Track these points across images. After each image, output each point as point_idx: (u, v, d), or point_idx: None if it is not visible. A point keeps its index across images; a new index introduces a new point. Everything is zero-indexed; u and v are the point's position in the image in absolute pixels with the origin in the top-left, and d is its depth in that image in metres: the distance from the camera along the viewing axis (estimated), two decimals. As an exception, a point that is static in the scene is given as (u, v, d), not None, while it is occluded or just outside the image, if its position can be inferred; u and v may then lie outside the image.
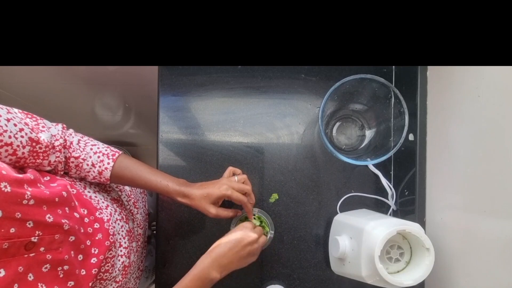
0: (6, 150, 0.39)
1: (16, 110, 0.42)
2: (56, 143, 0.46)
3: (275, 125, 0.65)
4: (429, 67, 0.63)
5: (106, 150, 0.51)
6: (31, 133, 0.41)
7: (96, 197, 0.51)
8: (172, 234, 0.64)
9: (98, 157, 0.50)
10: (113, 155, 0.51)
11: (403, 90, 0.57)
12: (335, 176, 0.64)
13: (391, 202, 0.63)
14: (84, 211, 0.46)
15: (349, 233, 0.55)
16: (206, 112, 0.65)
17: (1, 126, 0.38)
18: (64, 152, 0.48)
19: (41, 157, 0.44)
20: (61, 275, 0.39)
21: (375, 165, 0.63)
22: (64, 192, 0.42)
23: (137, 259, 0.60)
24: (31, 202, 0.36)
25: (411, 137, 0.63)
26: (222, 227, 0.63)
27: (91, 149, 0.50)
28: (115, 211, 0.54)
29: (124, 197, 0.61)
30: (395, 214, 0.64)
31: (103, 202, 0.52)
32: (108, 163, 0.50)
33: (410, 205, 0.64)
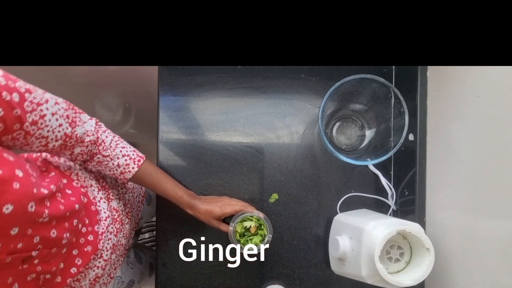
0: (40, 142, 0.39)
1: (61, 100, 0.42)
2: (87, 139, 0.46)
3: (275, 125, 0.65)
4: (429, 67, 0.63)
5: (133, 154, 0.53)
6: (67, 128, 0.42)
7: (99, 206, 0.52)
8: (172, 234, 0.64)
9: (126, 160, 0.51)
10: (138, 160, 0.53)
11: (403, 90, 0.57)
12: (335, 176, 0.64)
13: (391, 202, 0.63)
14: (86, 220, 0.46)
15: (349, 233, 0.55)
16: (206, 112, 0.65)
17: (45, 120, 0.38)
18: (90, 147, 0.48)
19: (67, 148, 0.44)
20: (40, 282, 0.40)
21: (375, 165, 0.63)
22: (77, 205, 0.43)
23: (110, 267, 0.59)
24: (46, 220, 0.36)
25: (411, 137, 0.63)
26: (222, 227, 0.63)
27: (121, 151, 0.51)
28: (111, 223, 0.55)
29: (120, 206, 0.60)
30: (395, 214, 0.64)
31: (104, 213, 0.53)
32: (133, 168, 0.52)
33: (410, 205, 0.64)
